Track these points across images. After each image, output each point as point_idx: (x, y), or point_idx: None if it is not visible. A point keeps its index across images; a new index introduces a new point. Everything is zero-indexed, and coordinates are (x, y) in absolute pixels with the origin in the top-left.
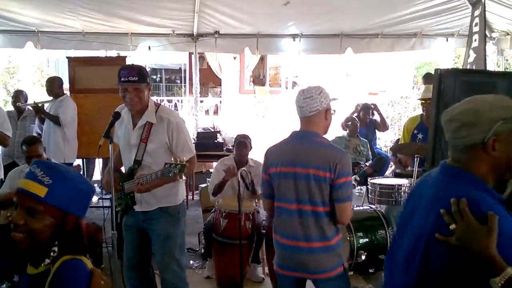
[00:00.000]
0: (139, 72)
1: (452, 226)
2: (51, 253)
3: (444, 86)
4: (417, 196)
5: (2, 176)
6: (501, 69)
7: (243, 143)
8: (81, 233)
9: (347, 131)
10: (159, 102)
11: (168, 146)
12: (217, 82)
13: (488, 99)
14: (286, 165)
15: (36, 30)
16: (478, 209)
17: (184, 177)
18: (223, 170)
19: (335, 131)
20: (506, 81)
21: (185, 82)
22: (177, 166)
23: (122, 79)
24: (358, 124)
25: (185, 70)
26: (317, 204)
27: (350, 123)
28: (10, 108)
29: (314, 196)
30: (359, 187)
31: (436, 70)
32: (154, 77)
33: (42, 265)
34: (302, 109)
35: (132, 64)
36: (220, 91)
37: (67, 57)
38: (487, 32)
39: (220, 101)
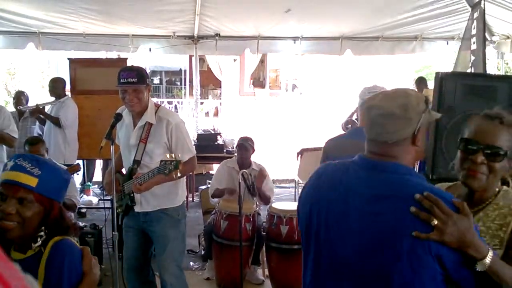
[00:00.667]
0: (138, 74)
1: (434, 222)
2: (38, 238)
3: (445, 90)
4: (337, 199)
5: None
6: (501, 72)
7: (243, 146)
8: (64, 216)
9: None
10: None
11: (167, 147)
12: (217, 84)
13: (411, 92)
14: None
15: (37, 31)
16: (443, 199)
17: (183, 178)
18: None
19: (336, 133)
20: (506, 85)
21: (185, 84)
22: (172, 163)
23: (121, 80)
24: (356, 126)
25: (185, 72)
26: None
27: (349, 125)
28: (11, 108)
29: None
30: None
31: (437, 73)
32: (154, 79)
33: (32, 249)
34: None
35: (132, 66)
36: (220, 93)
37: (68, 59)
38: (487, 36)
39: (220, 103)
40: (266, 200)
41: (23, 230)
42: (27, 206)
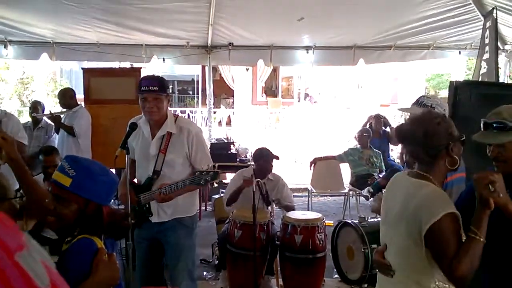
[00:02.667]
0: (160, 83)
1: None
2: (75, 233)
3: (460, 99)
4: None
5: (18, 185)
6: None
7: (270, 159)
8: (101, 217)
9: (360, 143)
10: (177, 114)
11: (187, 156)
12: (230, 93)
13: None
14: None
15: (51, 42)
16: None
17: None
18: (243, 179)
19: (348, 143)
20: None
21: (197, 93)
22: (210, 174)
23: (142, 88)
24: (370, 135)
25: (197, 81)
26: None
27: (365, 134)
28: (26, 118)
29: None
30: (371, 199)
31: (451, 82)
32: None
33: (66, 243)
34: None
35: (153, 75)
36: (233, 102)
37: (82, 68)
38: (500, 44)
39: (233, 112)
40: (288, 209)
41: (59, 224)
42: (63, 204)
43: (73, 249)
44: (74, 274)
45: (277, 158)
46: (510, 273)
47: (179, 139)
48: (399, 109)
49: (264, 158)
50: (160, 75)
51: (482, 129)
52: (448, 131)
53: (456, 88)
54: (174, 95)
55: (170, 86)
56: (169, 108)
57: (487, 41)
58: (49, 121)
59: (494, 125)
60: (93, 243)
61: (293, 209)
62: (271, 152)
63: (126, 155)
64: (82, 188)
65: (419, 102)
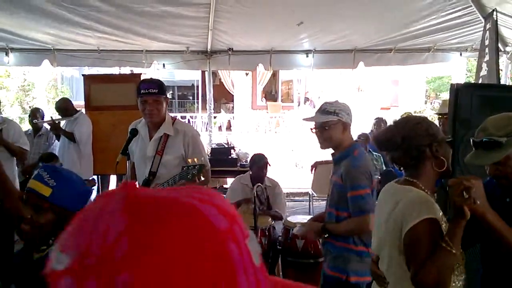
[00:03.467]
0: (159, 85)
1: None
2: (51, 241)
3: (461, 101)
4: None
5: None
6: None
7: (264, 165)
8: None
9: None
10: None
11: (183, 158)
12: (229, 98)
13: None
14: None
15: (52, 48)
16: None
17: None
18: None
19: None
20: None
21: (197, 99)
22: (196, 167)
23: (142, 91)
24: (368, 139)
25: (197, 87)
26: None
27: (360, 139)
28: (27, 125)
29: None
30: None
31: (452, 85)
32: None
33: (39, 252)
34: None
35: (152, 78)
36: (233, 107)
37: (82, 75)
38: (500, 46)
39: (233, 117)
40: (275, 218)
41: (35, 233)
42: (41, 213)
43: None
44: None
45: (268, 165)
46: (501, 268)
47: (176, 141)
48: (303, 119)
49: (257, 164)
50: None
51: (473, 148)
52: (428, 131)
53: (457, 91)
54: (174, 100)
55: (170, 92)
56: (170, 114)
57: (487, 42)
58: (49, 128)
59: (484, 142)
60: None
61: (281, 219)
62: (265, 159)
63: (127, 161)
64: (62, 198)
65: (322, 109)
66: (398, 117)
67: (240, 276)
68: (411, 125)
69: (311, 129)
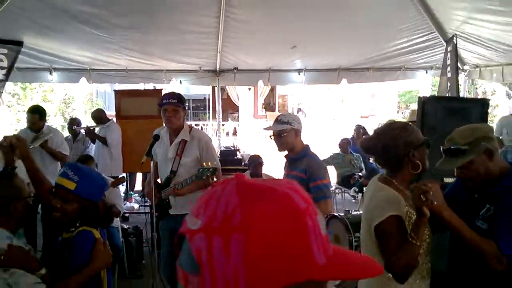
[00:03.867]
0: (178, 97)
1: None
2: (76, 225)
3: (427, 111)
4: None
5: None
6: (472, 95)
7: (259, 165)
8: (98, 212)
9: (341, 149)
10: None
11: (198, 160)
12: (235, 108)
13: None
14: None
15: (88, 68)
16: None
17: None
18: None
19: (334, 149)
20: (478, 106)
21: (208, 109)
22: (210, 170)
23: (164, 101)
24: (350, 143)
25: (208, 99)
26: None
27: (344, 142)
28: (67, 132)
29: None
30: (358, 195)
31: (419, 97)
32: None
33: (69, 232)
34: None
35: (173, 91)
36: (238, 116)
37: (114, 90)
38: (459, 65)
39: (238, 125)
40: None
41: (64, 219)
42: (68, 203)
43: (77, 239)
44: (76, 260)
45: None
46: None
47: (192, 146)
48: (264, 129)
49: (253, 164)
50: None
51: (443, 155)
52: (407, 140)
53: (423, 103)
54: (189, 111)
55: (186, 104)
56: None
57: (449, 62)
58: (85, 134)
59: (451, 150)
60: (91, 234)
61: None
62: (260, 159)
63: (151, 161)
64: (84, 190)
65: (278, 120)
66: (376, 125)
67: (312, 241)
68: (390, 135)
69: (270, 136)
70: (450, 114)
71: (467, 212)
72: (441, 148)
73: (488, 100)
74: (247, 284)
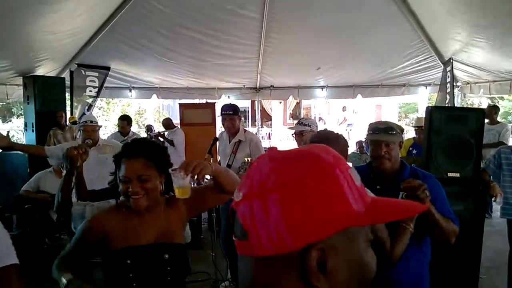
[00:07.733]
0: (233, 109)
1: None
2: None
3: (433, 118)
4: None
5: None
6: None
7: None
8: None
9: (358, 149)
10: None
11: (249, 156)
12: (268, 118)
13: None
14: None
15: (158, 87)
16: None
17: None
18: None
19: (350, 149)
20: (474, 114)
21: (248, 118)
22: (249, 163)
23: (222, 112)
24: (364, 144)
25: (248, 111)
26: None
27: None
28: (142, 135)
29: None
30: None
31: (427, 107)
32: None
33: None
34: None
35: (230, 103)
36: (271, 124)
37: (179, 104)
38: (454, 82)
39: (271, 130)
40: None
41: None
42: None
43: None
44: None
45: None
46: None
47: (245, 145)
48: (288, 128)
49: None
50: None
51: (373, 132)
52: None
53: (431, 111)
54: None
55: (239, 112)
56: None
57: (448, 79)
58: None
59: (387, 129)
60: None
61: None
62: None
63: (211, 158)
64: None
65: (300, 123)
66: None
67: (346, 190)
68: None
69: (292, 135)
70: (452, 120)
71: None
72: (374, 127)
73: (484, 109)
74: (291, 238)
